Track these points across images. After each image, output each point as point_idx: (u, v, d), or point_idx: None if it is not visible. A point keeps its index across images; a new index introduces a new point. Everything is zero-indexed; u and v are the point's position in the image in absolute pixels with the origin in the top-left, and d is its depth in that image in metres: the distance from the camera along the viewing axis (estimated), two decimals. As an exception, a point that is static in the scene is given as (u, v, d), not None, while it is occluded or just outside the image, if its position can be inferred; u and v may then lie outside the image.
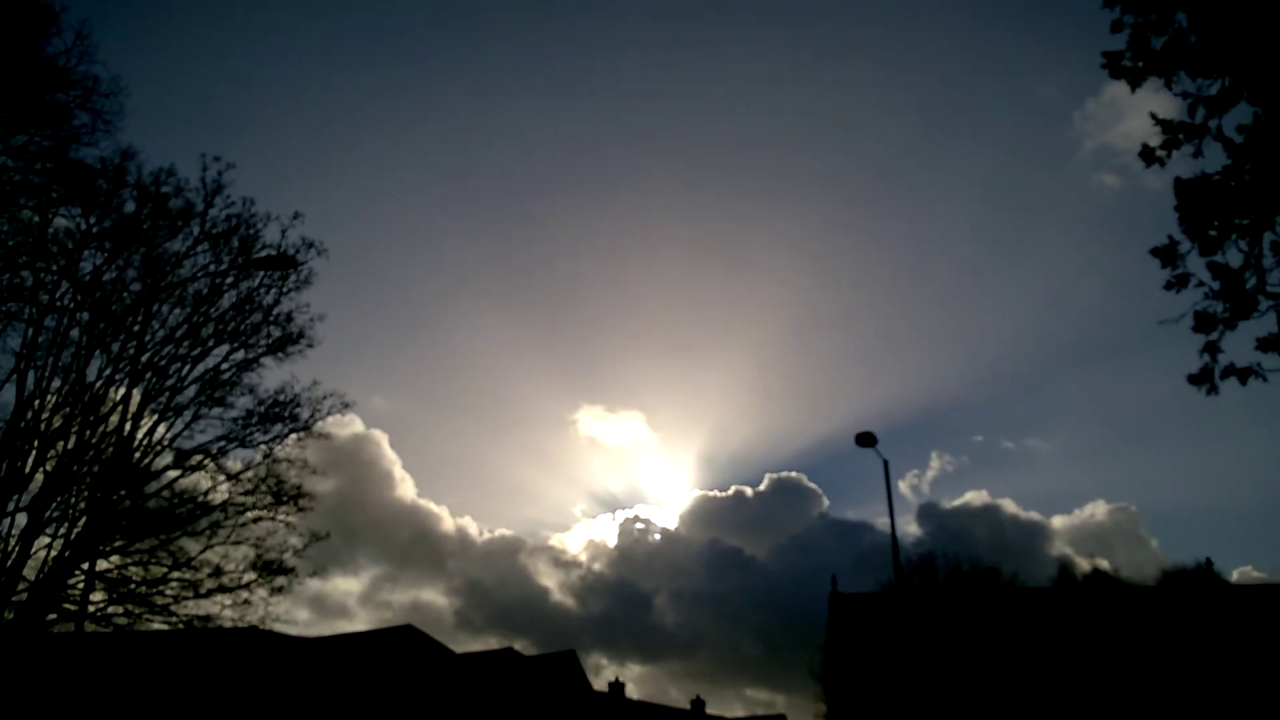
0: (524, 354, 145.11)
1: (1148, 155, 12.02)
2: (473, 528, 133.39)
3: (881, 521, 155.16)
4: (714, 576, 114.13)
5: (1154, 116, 11.75)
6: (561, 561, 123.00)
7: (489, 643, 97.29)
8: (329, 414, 28.27)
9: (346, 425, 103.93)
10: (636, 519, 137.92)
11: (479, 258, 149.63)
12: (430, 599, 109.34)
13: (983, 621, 35.45)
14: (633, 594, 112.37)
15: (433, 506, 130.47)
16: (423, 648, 38.40)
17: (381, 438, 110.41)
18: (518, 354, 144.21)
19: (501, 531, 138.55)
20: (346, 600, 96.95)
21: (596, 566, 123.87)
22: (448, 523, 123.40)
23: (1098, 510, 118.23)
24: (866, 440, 26.94)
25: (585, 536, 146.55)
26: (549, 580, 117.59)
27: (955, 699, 31.27)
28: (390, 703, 35.54)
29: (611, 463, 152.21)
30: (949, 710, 30.85)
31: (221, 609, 26.71)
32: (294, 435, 27.84)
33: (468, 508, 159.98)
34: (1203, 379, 12.37)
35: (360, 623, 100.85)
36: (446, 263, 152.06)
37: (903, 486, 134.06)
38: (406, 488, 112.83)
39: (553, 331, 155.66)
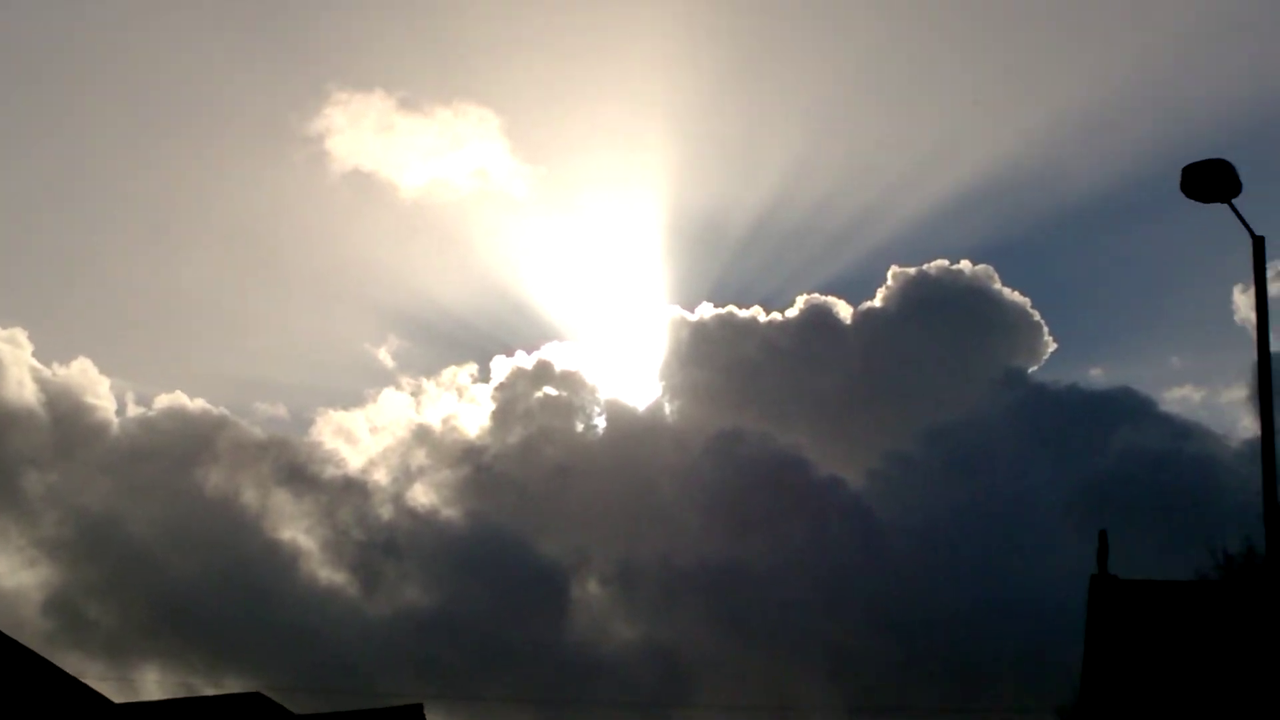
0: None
1: None
2: (98, 391, 61.35)
3: (1178, 394, 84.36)
4: (732, 524, 54.40)
5: None
6: (330, 481, 57.99)
7: (147, 682, 48.67)
8: None
9: None
10: (545, 371, 64.22)
11: None
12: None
13: None
14: (522, 569, 52.96)
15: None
16: (33, 683, 23.57)
17: None
18: None
19: (173, 400, 62.69)
20: None
21: (421, 496, 57.81)
22: (17, 374, 57.91)
23: None
24: (1211, 183, 10.73)
25: (393, 419, 67.41)
26: (299, 529, 55.32)
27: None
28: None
29: (430, 238, 76.42)
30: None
31: None
32: None
33: (76, 342, 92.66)
34: None
35: None
36: None
37: (1238, 302, 60.25)
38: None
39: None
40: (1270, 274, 13.05)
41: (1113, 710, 22.46)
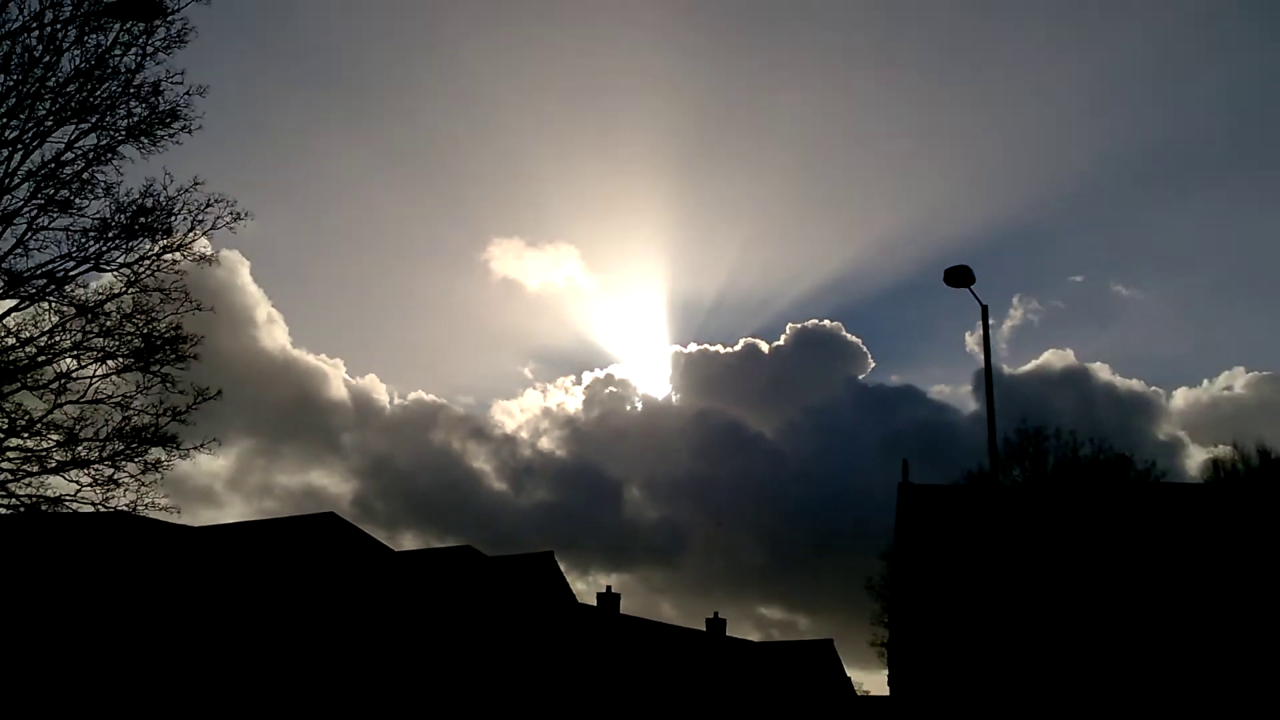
0: (405, 181, 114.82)
1: None
2: (379, 391, 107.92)
3: (938, 389, 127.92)
4: (707, 460, 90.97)
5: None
6: (498, 437, 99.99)
7: (403, 544, 75.33)
8: (214, 227, 20.55)
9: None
10: (610, 380, 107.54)
11: (346, 74, 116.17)
12: (320, 483, 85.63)
13: (1111, 529, 27.11)
14: (598, 482, 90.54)
15: (315, 360, 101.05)
16: (350, 543, 30.89)
17: (240, 264, 78.79)
18: (395, 181, 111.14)
19: (417, 396, 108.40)
20: (212, 484, 75.92)
21: (545, 445, 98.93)
22: (337, 383, 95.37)
23: (1236, 380, 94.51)
24: (960, 278, 20.73)
25: (531, 405, 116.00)
26: (482, 461, 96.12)
27: (1073, 630, 24.23)
28: (313, 606, 28.57)
29: (545, 313, 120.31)
30: (1064, 643, 23.89)
31: (78, 489, 19.90)
32: (167, 255, 20.23)
33: (367, 366, 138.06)
34: None
35: (231, 513, 79.35)
36: (311, 76, 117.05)
37: (969, 341, 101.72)
38: (277, 334, 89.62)
39: (430, 148, 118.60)
40: (990, 325, 21.50)
41: (916, 571, 29.69)
